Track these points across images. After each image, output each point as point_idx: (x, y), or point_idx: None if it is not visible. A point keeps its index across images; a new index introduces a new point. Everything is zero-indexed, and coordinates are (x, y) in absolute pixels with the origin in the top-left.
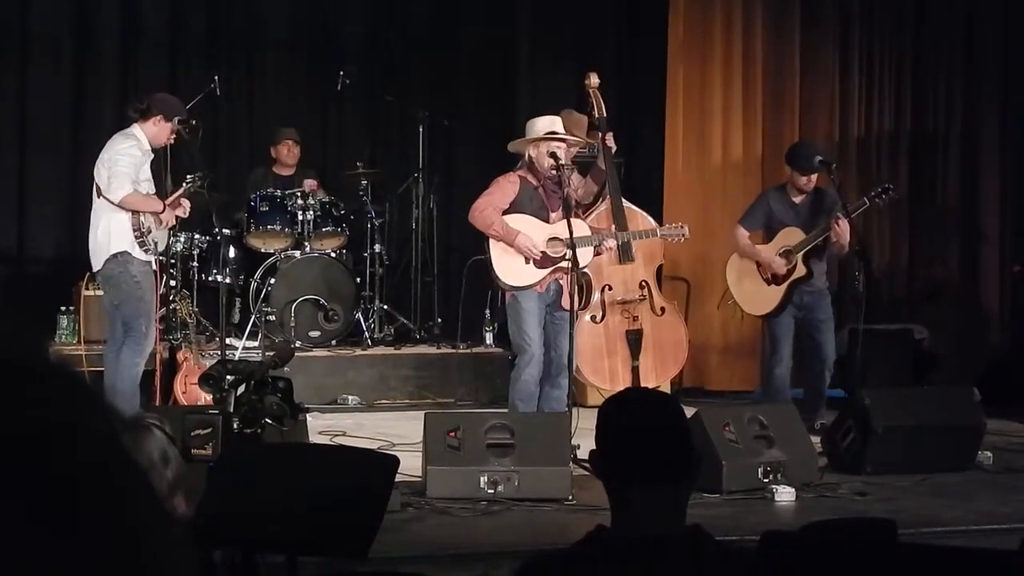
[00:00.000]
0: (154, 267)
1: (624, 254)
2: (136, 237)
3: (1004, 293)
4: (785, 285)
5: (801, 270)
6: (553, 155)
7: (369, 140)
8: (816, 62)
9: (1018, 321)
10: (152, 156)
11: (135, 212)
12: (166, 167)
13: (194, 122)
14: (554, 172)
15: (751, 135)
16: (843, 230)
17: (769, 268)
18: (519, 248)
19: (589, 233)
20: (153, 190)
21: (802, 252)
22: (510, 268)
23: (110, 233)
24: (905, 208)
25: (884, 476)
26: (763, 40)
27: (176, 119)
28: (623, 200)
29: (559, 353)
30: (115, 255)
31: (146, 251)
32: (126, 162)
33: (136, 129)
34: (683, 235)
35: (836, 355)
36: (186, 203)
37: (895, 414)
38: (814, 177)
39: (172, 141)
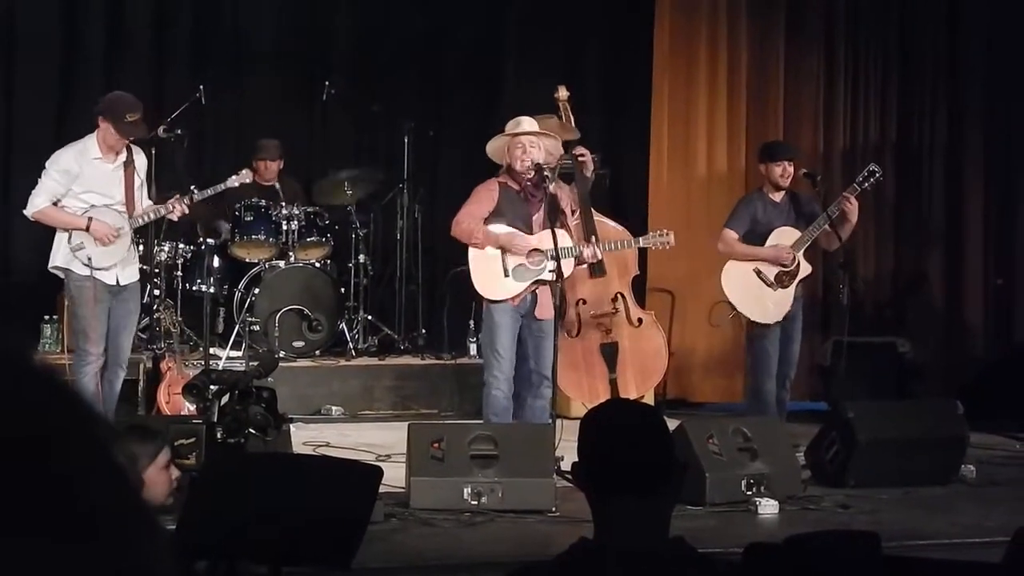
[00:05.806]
0: (116, 280)
1: (596, 268)
2: (72, 251)
3: (988, 306)
4: (793, 285)
5: (806, 268)
6: (538, 166)
7: (354, 150)
8: (800, 73)
9: (1002, 334)
10: (113, 162)
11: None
12: (150, 177)
13: (179, 131)
14: (532, 175)
15: (735, 147)
16: (854, 207)
17: (777, 262)
18: (511, 245)
19: (571, 243)
20: (112, 200)
21: (802, 250)
22: (488, 280)
23: (54, 246)
24: (889, 219)
25: (867, 489)
26: (748, 52)
27: (126, 116)
28: (595, 213)
29: (540, 364)
30: (54, 267)
31: (85, 265)
32: (50, 175)
33: (91, 136)
34: (668, 243)
35: (818, 367)
36: (177, 207)
37: (878, 427)
38: (790, 168)
39: (129, 139)
